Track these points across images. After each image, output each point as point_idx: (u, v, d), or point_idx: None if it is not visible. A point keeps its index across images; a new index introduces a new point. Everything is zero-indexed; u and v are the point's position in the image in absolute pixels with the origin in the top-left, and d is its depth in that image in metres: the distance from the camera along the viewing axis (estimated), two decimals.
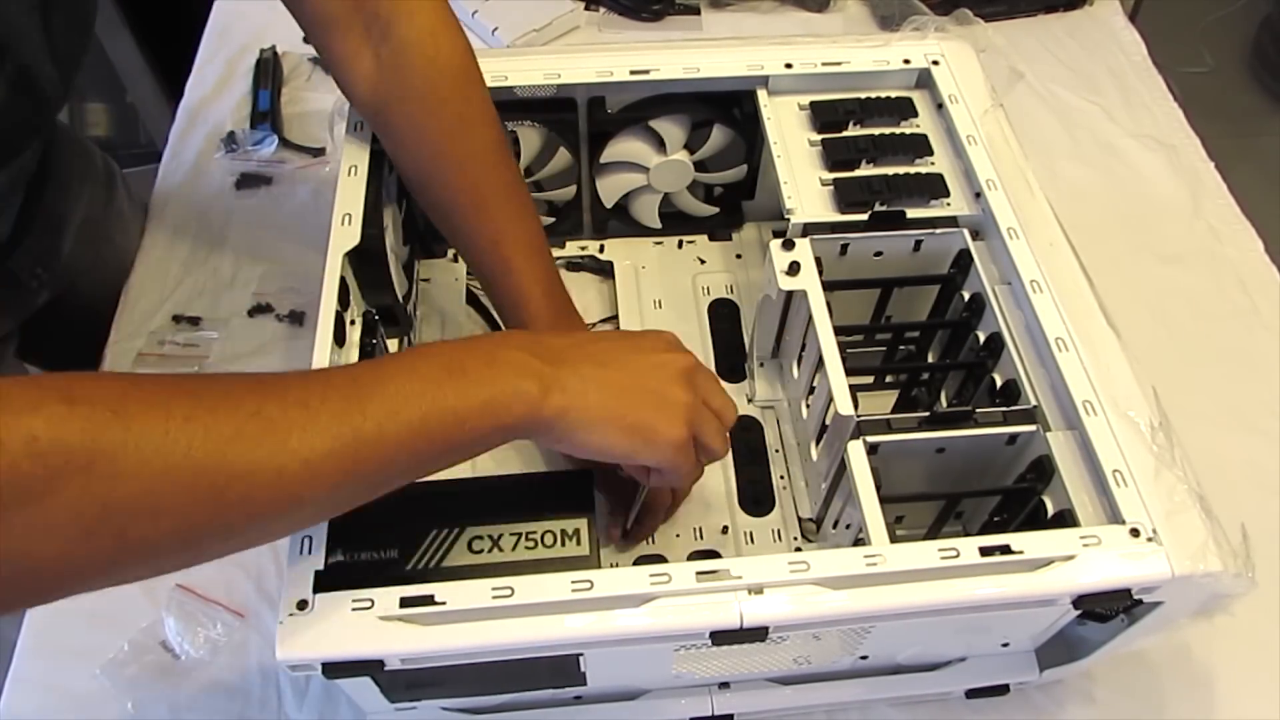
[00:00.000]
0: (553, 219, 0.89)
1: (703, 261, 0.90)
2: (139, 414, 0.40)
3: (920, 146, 0.75)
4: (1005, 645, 0.67)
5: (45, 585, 0.41)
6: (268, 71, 1.09)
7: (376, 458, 0.47)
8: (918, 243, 0.72)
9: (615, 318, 0.87)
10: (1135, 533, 0.55)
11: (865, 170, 0.74)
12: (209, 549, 0.45)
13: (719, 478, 0.77)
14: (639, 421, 0.55)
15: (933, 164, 0.75)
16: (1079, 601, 0.55)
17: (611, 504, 0.71)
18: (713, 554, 0.72)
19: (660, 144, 0.82)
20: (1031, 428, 0.61)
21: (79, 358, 0.88)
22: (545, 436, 0.54)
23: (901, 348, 0.78)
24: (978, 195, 0.72)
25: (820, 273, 0.68)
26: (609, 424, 0.54)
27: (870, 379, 0.79)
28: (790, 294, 0.70)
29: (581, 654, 0.57)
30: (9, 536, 0.37)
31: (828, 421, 0.66)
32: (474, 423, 0.50)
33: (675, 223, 0.90)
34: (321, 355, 0.62)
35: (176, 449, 0.41)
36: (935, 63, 0.78)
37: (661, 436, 0.55)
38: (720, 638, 0.54)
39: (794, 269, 0.68)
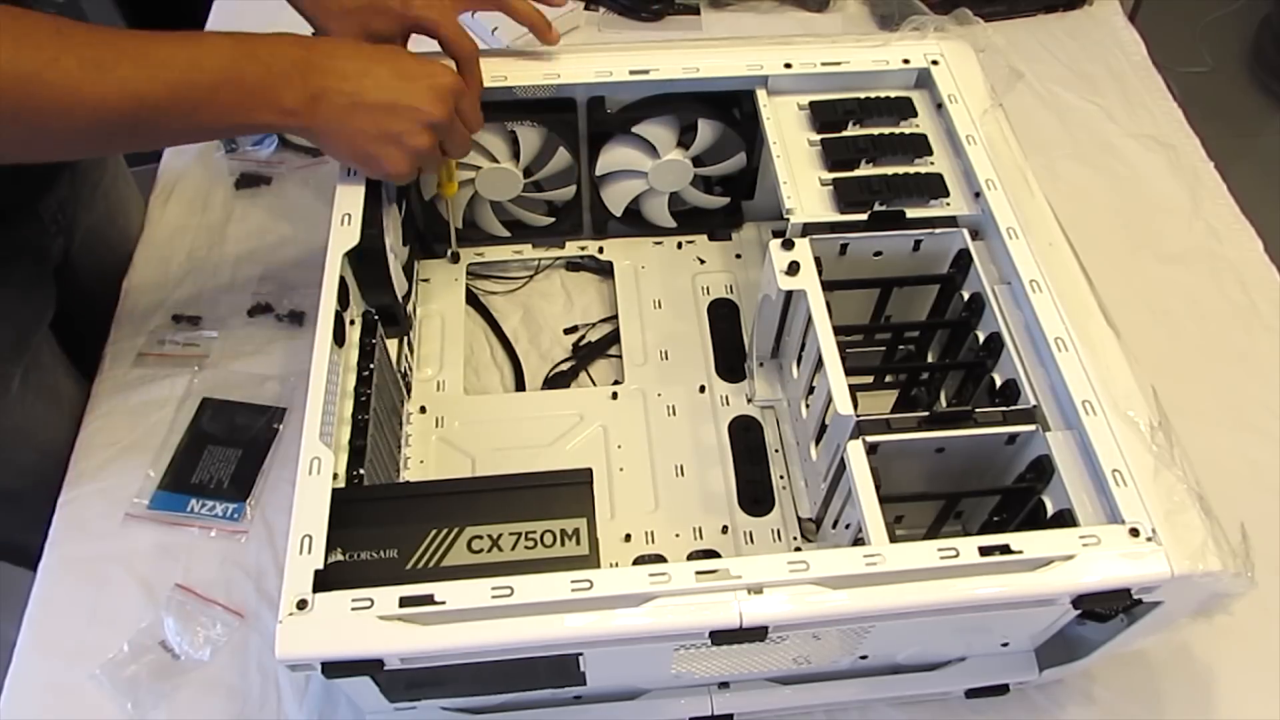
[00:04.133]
0: (552, 219, 0.89)
1: (702, 261, 0.90)
2: None
3: (920, 146, 0.75)
4: (1005, 645, 0.67)
5: None
6: None
7: (157, 115, 0.59)
8: (917, 243, 0.72)
9: (615, 317, 0.87)
10: (1135, 532, 0.55)
11: (865, 170, 0.74)
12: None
13: (719, 477, 0.77)
14: (372, 153, 0.66)
15: (932, 164, 0.75)
16: (1078, 601, 0.55)
17: None
18: (712, 554, 0.73)
19: (651, 148, 0.82)
20: (1031, 427, 0.61)
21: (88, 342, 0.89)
22: (297, 135, 0.68)
23: (901, 348, 0.79)
24: (977, 195, 0.72)
25: (820, 273, 0.68)
26: (346, 147, 0.67)
27: (870, 379, 0.79)
28: (790, 294, 0.70)
29: (581, 654, 0.57)
30: None
31: (827, 421, 0.66)
32: (242, 116, 0.62)
33: (690, 219, 0.90)
34: (322, 355, 0.62)
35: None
36: (935, 62, 0.78)
37: (385, 167, 0.67)
38: (720, 637, 0.54)
39: (793, 269, 0.68)
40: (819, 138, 0.76)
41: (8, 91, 0.54)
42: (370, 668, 0.52)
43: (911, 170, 0.74)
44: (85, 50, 0.56)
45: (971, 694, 0.70)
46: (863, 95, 0.78)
